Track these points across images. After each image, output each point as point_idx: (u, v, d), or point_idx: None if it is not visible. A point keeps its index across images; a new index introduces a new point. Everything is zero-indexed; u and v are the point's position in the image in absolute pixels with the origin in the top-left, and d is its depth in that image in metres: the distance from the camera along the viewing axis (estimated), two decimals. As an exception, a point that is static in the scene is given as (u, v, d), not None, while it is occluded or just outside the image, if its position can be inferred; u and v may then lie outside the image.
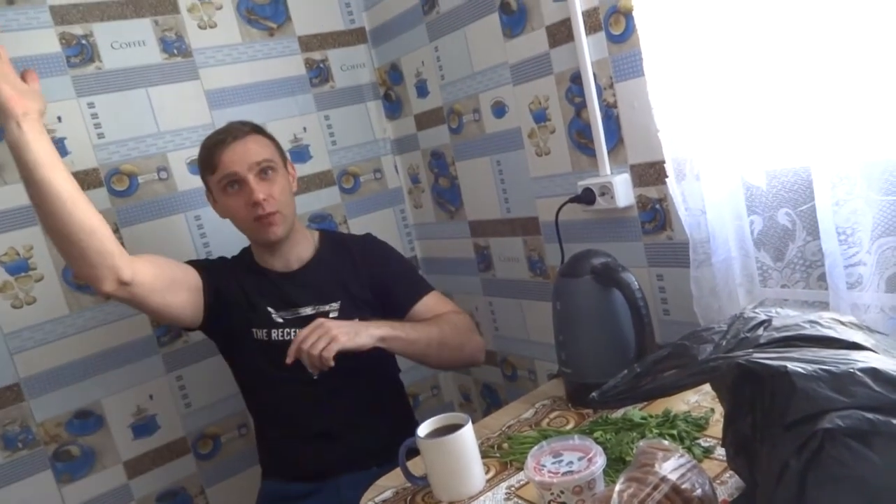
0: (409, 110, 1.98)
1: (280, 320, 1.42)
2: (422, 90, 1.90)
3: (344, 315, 1.41)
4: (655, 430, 1.03)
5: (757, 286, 1.19)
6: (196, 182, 1.75)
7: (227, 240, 1.80)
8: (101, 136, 1.65)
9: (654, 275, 1.42)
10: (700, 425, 1.04)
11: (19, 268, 1.56)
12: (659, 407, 1.12)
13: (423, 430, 1.05)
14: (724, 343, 0.77)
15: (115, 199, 1.67)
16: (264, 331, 1.42)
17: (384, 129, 2.07)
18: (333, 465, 1.41)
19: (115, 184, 1.67)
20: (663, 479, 0.75)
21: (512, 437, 1.16)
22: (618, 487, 0.76)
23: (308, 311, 1.42)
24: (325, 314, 1.41)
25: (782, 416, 0.66)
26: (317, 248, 1.50)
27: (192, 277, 1.39)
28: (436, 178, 1.97)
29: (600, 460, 0.88)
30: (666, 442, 0.84)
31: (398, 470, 1.15)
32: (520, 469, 1.05)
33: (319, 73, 1.95)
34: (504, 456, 1.10)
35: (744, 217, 1.17)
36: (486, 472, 1.06)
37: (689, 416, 1.06)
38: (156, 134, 1.71)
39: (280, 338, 1.41)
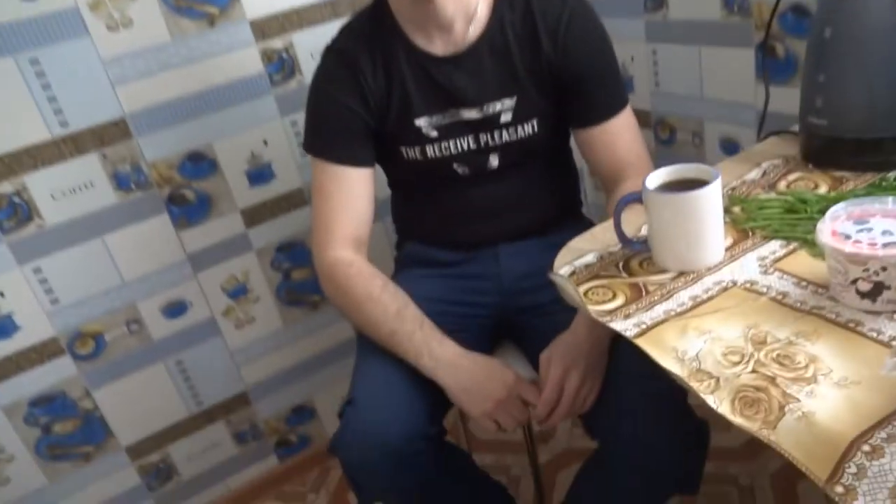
0: None
1: (434, 134, 1.10)
2: None
3: (517, 119, 1.09)
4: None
5: None
6: (173, 327, 1.55)
7: (214, 384, 1.64)
8: (54, 301, 1.42)
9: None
10: None
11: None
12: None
13: (652, 181, 0.82)
14: None
15: (82, 364, 1.48)
16: (417, 148, 1.12)
17: None
18: (489, 237, 1.20)
19: (78, 348, 1.47)
20: None
21: (745, 200, 0.92)
22: None
23: (473, 114, 1.09)
24: (496, 117, 1.09)
25: None
26: (492, 10, 1.07)
27: (368, 177, 1.14)
28: None
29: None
30: None
31: (594, 230, 0.96)
32: (767, 238, 0.83)
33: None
34: (739, 222, 0.88)
35: None
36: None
37: None
38: (120, 286, 1.46)
39: (436, 154, 1.12)
